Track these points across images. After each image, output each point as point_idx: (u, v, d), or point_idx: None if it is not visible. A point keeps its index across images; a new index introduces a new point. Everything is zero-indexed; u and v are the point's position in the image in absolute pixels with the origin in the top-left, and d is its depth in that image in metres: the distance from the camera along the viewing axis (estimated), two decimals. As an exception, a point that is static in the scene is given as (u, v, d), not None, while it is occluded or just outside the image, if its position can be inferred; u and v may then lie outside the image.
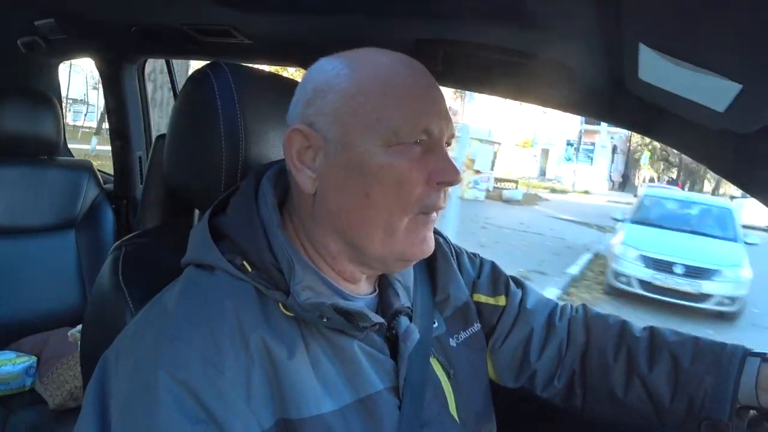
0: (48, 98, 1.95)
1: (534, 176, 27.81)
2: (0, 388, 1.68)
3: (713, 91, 0.66)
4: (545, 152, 30.45)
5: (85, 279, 2.01)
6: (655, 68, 0.70)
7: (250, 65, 0.95)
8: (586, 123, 25.51)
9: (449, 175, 0.67)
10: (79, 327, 1.80)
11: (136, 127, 2.27)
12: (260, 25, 1.28)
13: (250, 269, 0.65)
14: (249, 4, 1.16)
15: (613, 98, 0.96)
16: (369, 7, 1.02)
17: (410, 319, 0.75)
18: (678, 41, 0.59)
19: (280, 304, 0.64)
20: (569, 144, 28.78)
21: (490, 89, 1.20)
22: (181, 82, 1.36)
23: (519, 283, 0.97)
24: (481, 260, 0.97)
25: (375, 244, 0.67)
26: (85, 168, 2.09)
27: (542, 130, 27.96)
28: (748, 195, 0.93)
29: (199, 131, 0.84)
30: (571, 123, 26.40)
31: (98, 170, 2.18)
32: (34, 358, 1.75)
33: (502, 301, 0.93)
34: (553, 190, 23.36)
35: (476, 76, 1.16)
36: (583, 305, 0.97)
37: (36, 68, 2.35)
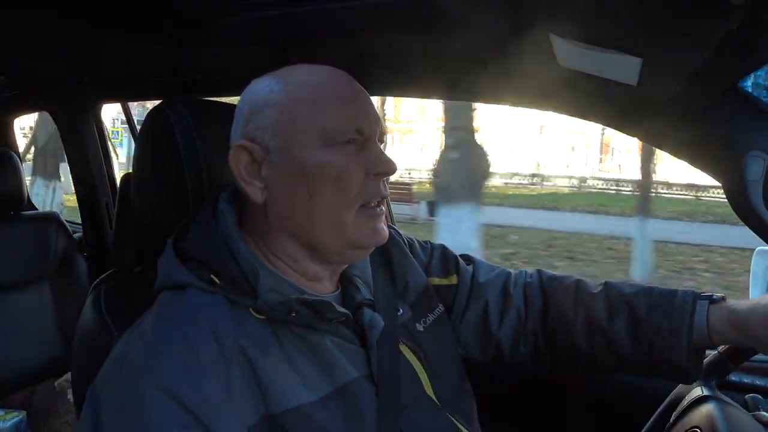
0: (7, 155, 1.94)
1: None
2: (-10, 447, 1.66)
3: (622, 68, 0.74)
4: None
5: (65, 328, 2.00)
6: (569, 54, 0.78)
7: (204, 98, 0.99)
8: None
9: (384, 166, 0.72)
10: (66, 376, 1.80)
11: (98, 173, 2.27)
12: (205, 60, 1.32)
13: (218, 281, 0.69)
14: (190, 41, 1.20)
15: (545, 87, 1.03)
16: (309, 31, 1.08)
17: (373, 310, 0.79)
18: (580, 27, 0.67)
19: (250, 309, 0.68)
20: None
21: (435, 93, 1.26)
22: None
23: (470, 260, 1.01)
24: (432, 245, 1.01)
25: (327, 240, 0.71)
26: (51, 219, 2.08)
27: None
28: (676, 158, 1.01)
29: (162, 166, 0.87)
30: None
31: (66, 220, 2.17)
32: (23, 413, 1.73)
33: (454, 279, 0.96)
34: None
35: (423, 82, 1.23)
36: (538, 270, 0.99)
37: None
